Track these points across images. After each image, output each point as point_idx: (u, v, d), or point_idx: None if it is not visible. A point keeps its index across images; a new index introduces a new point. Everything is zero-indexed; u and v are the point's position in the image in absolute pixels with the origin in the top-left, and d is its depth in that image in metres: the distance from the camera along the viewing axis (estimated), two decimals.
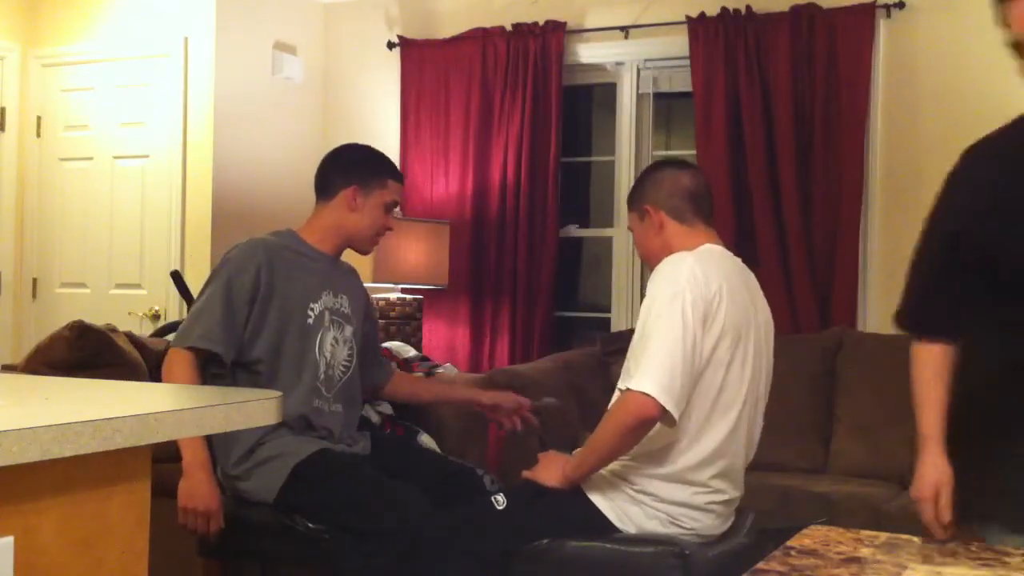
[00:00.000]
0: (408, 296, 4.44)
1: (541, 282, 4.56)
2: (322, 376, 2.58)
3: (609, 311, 4.64)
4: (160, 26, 4.70)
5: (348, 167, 2.68)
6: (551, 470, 2.33)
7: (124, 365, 2.78)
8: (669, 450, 2.23)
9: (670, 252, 2.31)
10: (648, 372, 2.13)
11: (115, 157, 4.84)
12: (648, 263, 2.42)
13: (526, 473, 2.38)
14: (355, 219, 2.64)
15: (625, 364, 2.25)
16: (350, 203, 2.64)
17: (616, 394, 2.23)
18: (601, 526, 2.29)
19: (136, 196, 4.80)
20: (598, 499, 2.30)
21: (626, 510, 2.28)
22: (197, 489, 2.39)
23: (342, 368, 2.65)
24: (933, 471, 1.85)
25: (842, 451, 3.75)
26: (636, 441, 2.17)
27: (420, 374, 3.66)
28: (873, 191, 4.11)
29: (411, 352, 3.86)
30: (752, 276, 2.42)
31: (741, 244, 4.15)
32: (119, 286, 4.85)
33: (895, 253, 4.08)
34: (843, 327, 4.01)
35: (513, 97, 4.58)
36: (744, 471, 2.38)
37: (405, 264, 4.33)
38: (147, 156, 4.77)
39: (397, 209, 2.80)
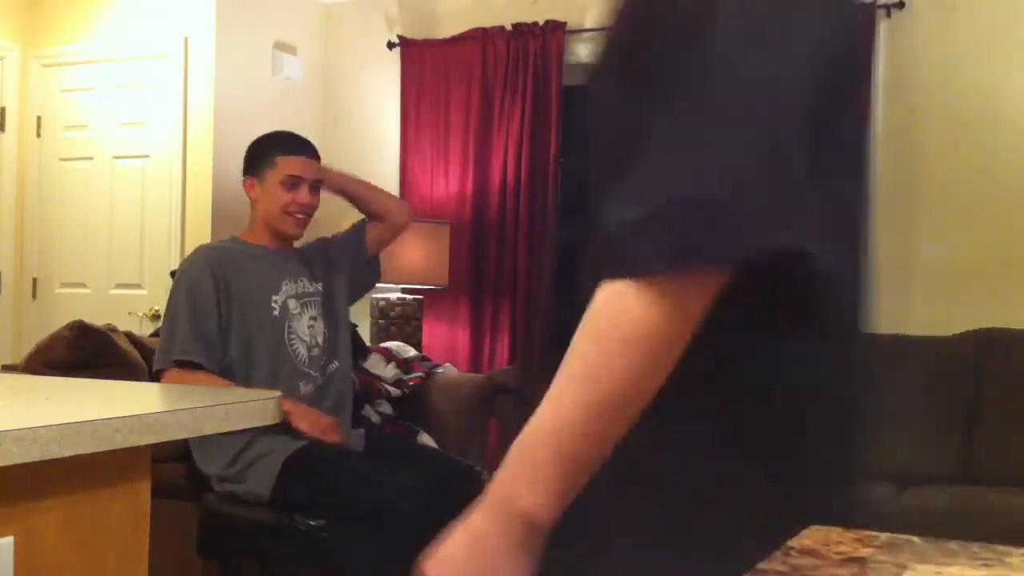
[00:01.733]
0: (408, 296, 4.43)
1: (541, 280, 4.55)
2: (305, 358, 2.62)
3: None
4: (160, 26, 4.70)
5: (243, 164, 2.77)
6: None
7: (124, 365, 2.78)
8: None
9: None
10: None
11: (115, 157, 4.84)
12: None
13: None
14: (260, 207, 2.72)
15: None
16: (250, 194, 2.73)
17: None
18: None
19: (136, 196, 4.80)
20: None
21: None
22: (307, 416, 2.50)
23: (328, 340, 2.69)
24: None
25: None
26: None
27: (420, 374, 3.66)
28: (872, 189, 4.10)
29: (411, 352, 3.85)
30: None
31: None
32: (119, 286, 4.84)
33: (895, 252, 4.08)
34: None
35: (513, 97, 4.58)
36: None
37: (405, 264, 4.32)
38: (147, 156, 4.77)
39: (309, 181, 2.76)
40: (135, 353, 2.96)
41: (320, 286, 2.75)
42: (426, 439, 3.24)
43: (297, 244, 2.83)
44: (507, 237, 4.58)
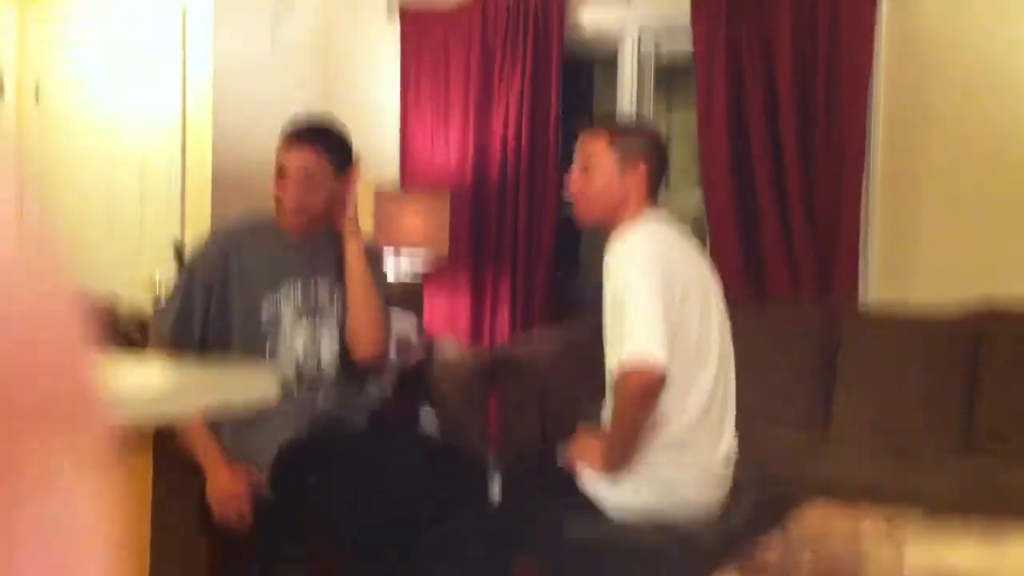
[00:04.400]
0: (408, 266, 4.42)
1: (542, 249, 4.55)
2: (291, 377, 2.50)
3: None
4: None
5: None
6: (591, 453, 2.33)
7: (125, 339, 2.77)
8: (660, 415, 2.24)
9: (616, 210, 2.37)
10: (634, 336, 2.15)
11: (114, 121, 4.80)
12: (584, 205, 2.44)
13: (569, 455, 2.37)
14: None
15: (606, 348, 2.27)
16: None
17: (609, 376, 2.25)
18: (597, 508, 2.29)
19: (136, 162, 4.77)
20: (595, 481, 2.30)
21: (623, 488, 2.29)
22: (217, 480, 2.39)
23: (324, 368, 2.57)
24: None
25: (844, 419, 3.74)
26: (652, 406, 2.19)
27: (420, 349, 3.66)
28: (876, 160, 4.09)
29: (408, 324, 3.83)
30: (690, 241, 2.49)
31: (741, 208, 4.14)
32: (118, 262, 4.82)
33: (897, 221, 4.07)
34: (845, 294, 4.01)
35: (513, 62, 4.54)
36: (735, 428, 2.40)
37: (404, 232, 4.31)
38: (146, 119, 4.73)
39: (294, 176, 2.57)
40: (134, 330, 2.95)
41: (334, 306, 2.60)
42: (427, 414, 3.24)
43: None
44: (507, 204, 4.56)
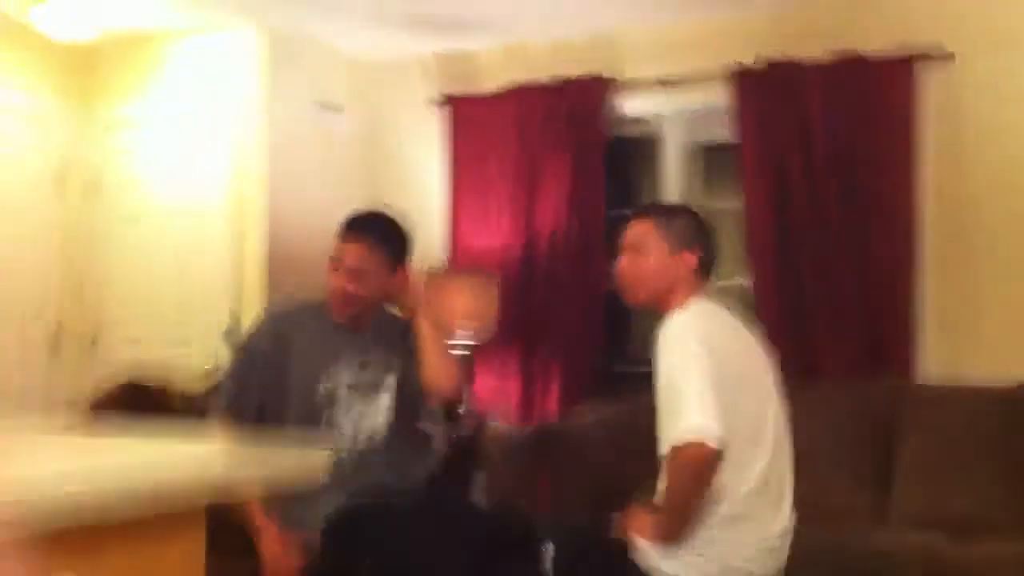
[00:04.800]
0: (458, 347, 4.43)
1: (590, 330, 4.55)
2: (344, 454, 2.56)
3: None
4: (207, 89, 4.82)
5: None
6: (645, 525, 2.32)
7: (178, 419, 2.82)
8: (718, 490, 2.22)
9: (667, 293, 2.39)
10: (688, 414, 2.14)
11: (167, 215, 4.93)
12: (632, 291, 2.46)
13: (623, 527, 2.36)
14: None
15: (659, 426, 2.28)
16: None
17: (662, 453, 2.25)
18: None
19: (187, 255, 4.88)
20: (648, 554, 2.29)
21: (677, 560, 2.27)
22: (271, 552, 2.44)
23: (376, 436, 2.64)
24: None
25: (902, 500, 3.67)
26: (708, 479, 2.18)
27: (469, 427, 3.68)
28: (928, 235, 4.05)
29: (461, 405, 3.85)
30: (742, 324, 2.49)
31: (787, 290, 4.13)
32: (174, 343, 4.91)
33: (950, 299, 4.02)
34: (899, 375, 3.95)
35: (557, 149, 4.61)
36: (792, 504, 2.37)
37: (454, 312, 4.34)
38: (199, 215, 4.86)
39: (347, 266, 2.64)
40: (187, 409, 3.01)
41: (383, 376, 2.67)
42: (479, 484, 3.25)
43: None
44: (555, 286, 4.59)
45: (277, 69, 4.78)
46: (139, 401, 2.89)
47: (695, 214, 2.58)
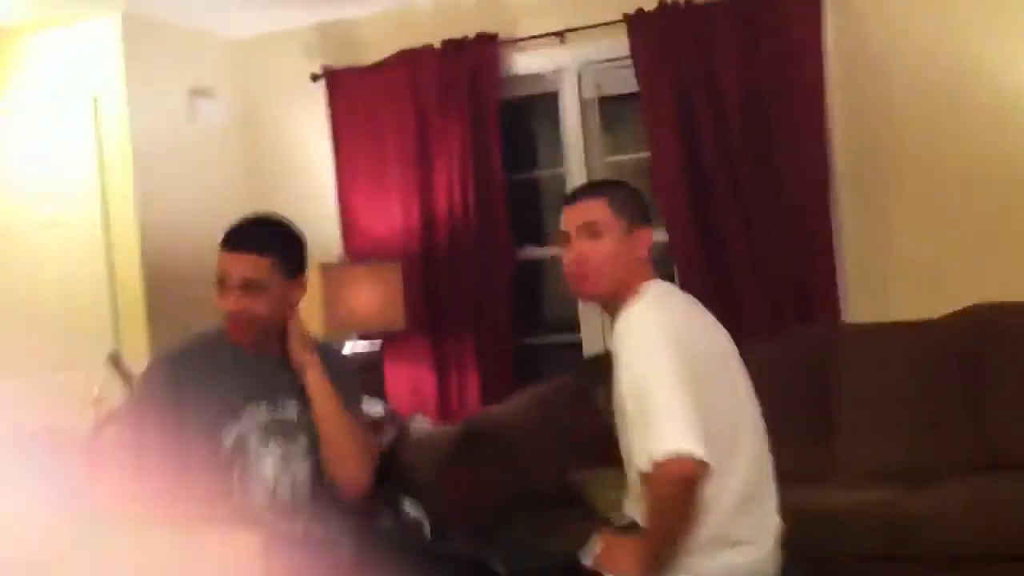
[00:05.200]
0: (365, 346, 4.14)
1: (501, 311, 4.29)
2: (264, 504, 2.22)
3: (578, 331, 4.37)
4: (68, 82, 4.38)
5: None
6: (623, 560, 2.04)
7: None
8: (699, 507, 1.99)
9: (626, 281, 2.12)
10: (663, 429, 1.91)
11: (30, 226, 4.49)
12: (589, 283, 2.15)
13: (592, 563, 2.09)
14: None
15: (625, 442, 2.03)
16: None
17: (632, 470, 1.99)
18: None
19: (57, 267, 4.44)
20: None
21: None
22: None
23: (302, 487, 2.28)
24: None
25: (848, 452, 3.52)
26: (694, 507, 1.94)
27: (391, 435, 3.37)
28: (841, 174, 3.90)
29: (378, 408, 3.56)
30: (699, 304, 2.24)
31: (706, 246, 3.93)
32: (54, 368, 4.48)
33: (870, 236, 3.88)
34: (829, 320, 3.80)
35: (449, 118, 4.31)
36: (777, 519, 2.14)
37: (357, 311, 4.04)
38: (64, 223, 4.43)
39: (236, 282, 2.24)
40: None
41: (301, 410, 2.30)
42: (409, 506, 2.96)
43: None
44: (461, 267, 4.31)
45: (142, 57, 4.35)
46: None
47: (633, 185, 2.31)
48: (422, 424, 3.61)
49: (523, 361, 4.40)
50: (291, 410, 2.30)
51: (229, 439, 2.21)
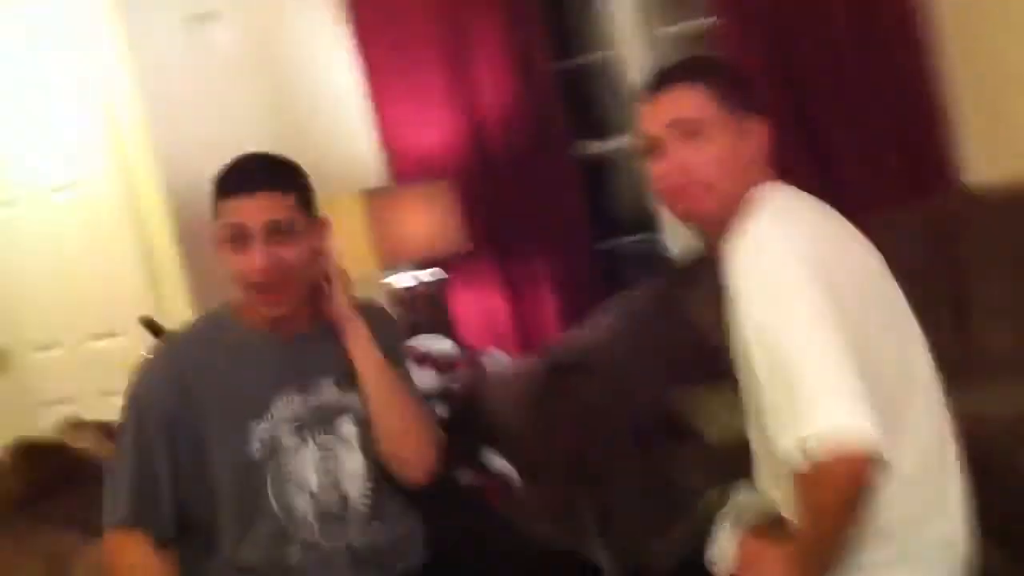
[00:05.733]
0: (426, 276, 3.71)
1: (571, 216, 3.85)
2: (307, 514, 1.83)
3: (656, 231, 3.91)
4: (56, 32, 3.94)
5: None
6: (770, 567, 1.57)
7: (85, 485, 2.10)
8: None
9: (738, 197, 1.62)
10: (818, 403, 1.41)
11: (46, 192, 4.14)
12: (695, 197, 1.66)
13: (733, 566, 1.64)
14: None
15: (754, 405, 1.56)
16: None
17: (764, 450, 1.54)
18: None
19: (81, 232, 4.10)
20: None
21: None
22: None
23: (355, 491, 1.89)
24: None
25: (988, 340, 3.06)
26: (867, 498, 1.44)
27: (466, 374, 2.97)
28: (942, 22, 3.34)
29: (447, 345, 3.17)
30: (835, 213, 1.72)
31: (791, 112, 3.42)
32: (95, 338, 4.18)
33: (983, 86, 3.33)
34: (951, 188, 3.31)
35: (482, 10, 3.82)
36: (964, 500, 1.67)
37: (409, 239, 3.61)
38: (78, 185, 4.06)
39: (260, 231, 1.79)
40: (100, 450, 2.29)
41: (353, 394, 1.90)
42: (492, 458, 2.57)
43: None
44: (520, 173, 3.85)
45: None
46: (36, 468, 2.14)
47: (729, 64, 1.80)
48: (499, 360, 3.20)
49: (600, 271, 3.97)
50: (328, 391, 1.89)
51: (258, 446, 1.81)
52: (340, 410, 1.89)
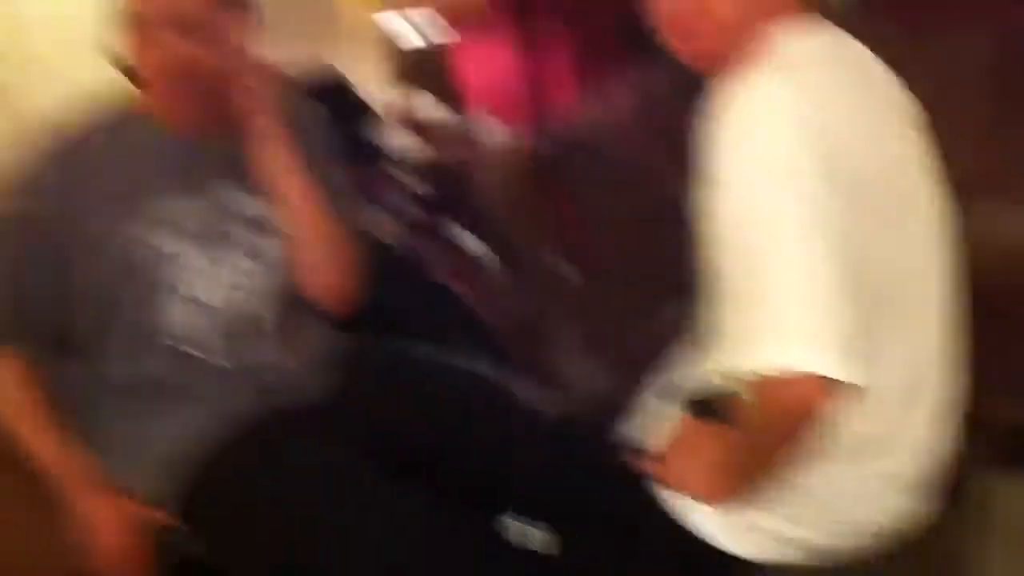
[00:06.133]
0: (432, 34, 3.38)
1: None
2: (189, 329, 1.62)
3: None
4: None
5: None
6: (695, 472, 1.37)
7: None
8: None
9: (753, 37, 1.28)
10: (789, 325, 1.15)
11: None
12: (699, 42, 1.36)
13: (653, 470, 1.41)
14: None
15: (709, 308, 1.28)
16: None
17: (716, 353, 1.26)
18: (718, 565, 1.36)
19: None
20: (706, 519, 1.37)
21: (753, 529, 1.36)
22: (92, 525, 1.54)
23: (260, 306, 1.67)
24: None
25: None
26: (816, 426, 1.21)
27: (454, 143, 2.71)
28: None
29: (441, 113, 2.89)
30: (870, 62, 1.38)
31: None
32: None
33: None
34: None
35: None
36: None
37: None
38: None
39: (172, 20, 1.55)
40: None
41: (259, 204, 1.67)
42: (468, 240, 2.35)
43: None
44: None
45: None
46: None
47: None
48: (495, 131, 2.91)
49: (624, 37, 3.61)
50: (227, 196, 1.66)
51: (147, 254, 1.60)
52: (242, 219, 1.67)
